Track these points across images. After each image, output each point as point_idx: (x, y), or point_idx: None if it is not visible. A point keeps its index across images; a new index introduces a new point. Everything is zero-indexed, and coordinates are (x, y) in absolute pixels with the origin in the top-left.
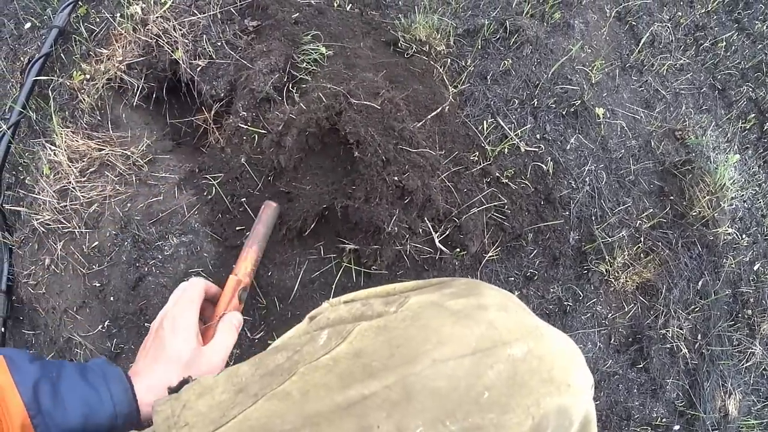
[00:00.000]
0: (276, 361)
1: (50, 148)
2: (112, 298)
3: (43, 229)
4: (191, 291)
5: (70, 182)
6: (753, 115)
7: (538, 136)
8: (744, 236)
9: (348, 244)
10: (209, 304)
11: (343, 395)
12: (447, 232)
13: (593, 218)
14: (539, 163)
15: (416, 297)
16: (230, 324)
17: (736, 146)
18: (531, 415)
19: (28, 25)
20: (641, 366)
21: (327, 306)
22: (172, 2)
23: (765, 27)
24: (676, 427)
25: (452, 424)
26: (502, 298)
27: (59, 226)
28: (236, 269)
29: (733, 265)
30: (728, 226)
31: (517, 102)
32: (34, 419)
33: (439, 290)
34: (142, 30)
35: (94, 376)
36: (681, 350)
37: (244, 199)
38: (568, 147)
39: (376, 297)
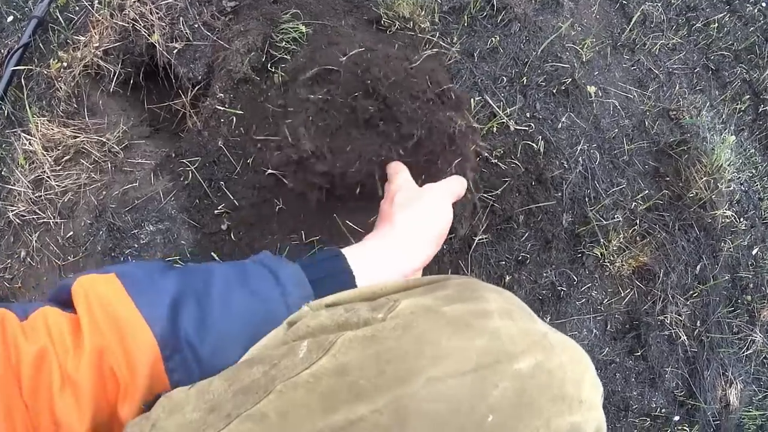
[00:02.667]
0: (251, 376)
1: (25, 137)
2: None
3: (19, 221)
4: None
5: (44, 171)
6: (747, 96)
7: (528, 114)
8: (742, 220)
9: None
10: None
11: (326, 420)
12: None
13: (587, 199)
14: (530, 142)
15: (407, 301)
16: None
17: (732, 127)
18: None
19: (10, 18)
20: (639, 354)
21: (307, 310)
22: None
23: (756, 10)
24: (676, 418)
25: None
26: (504, 301)
27: (34, 217)
28: None
29: (732, 249)
30: (726, 209)
31: (505, 80)
32: (170, 361)
33: (432, 292)
34: (119, 15)
35: (260, 282)
36: (680, 337)
37: (222, 182)
38: (559, 126)
39: (361, 299)
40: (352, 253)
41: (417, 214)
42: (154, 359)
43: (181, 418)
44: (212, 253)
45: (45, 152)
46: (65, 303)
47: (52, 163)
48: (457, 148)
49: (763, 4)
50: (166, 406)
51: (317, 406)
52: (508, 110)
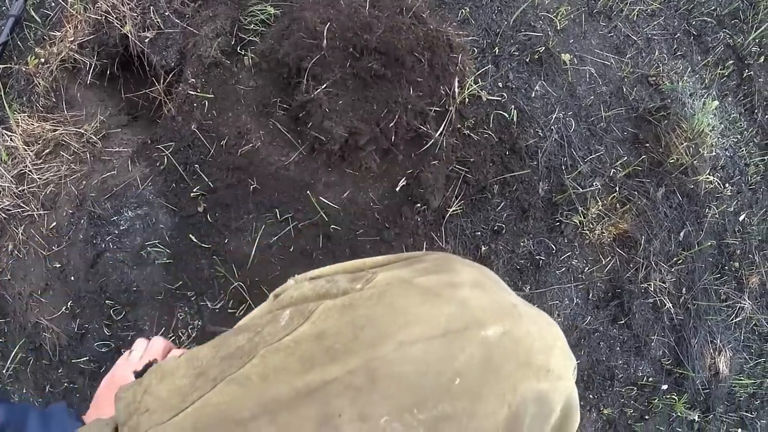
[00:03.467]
0: (237, 343)
1: (6, 134)
2: (72, 278)
3: (5, 215)
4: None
5: (26, 166)
6: (731, 61)
7: (500, 84)
8: (727, 185)
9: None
10: None
11: (304, 380)
12: (406, 185)
13: (563, 167)
14: (502, 112)
15: (384, 273)
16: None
17: (714, 93)
18: (507, 402)
19: None
20: (623, 322)
21: (292, 283)
22: None
23: None
24: (664, 387)
25: (420, 413)
26: (477, 274)
27: (19, 210)
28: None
29: (717, 216)
30: (709, 174)
31: (476, 51)
32: None
33: (410, 266)
34: (92, 8)
35: (57, 426)
36: (665, 305)
37: (197, 166)
38: (533, 95)
39: (343, 273)
40: None
41: None
42: None
43: (172, 384)
44: (191, 236)
45: (26, 147)
46: None
47: (34, 157)
48: (456, 53)
49: None
50: (158, 373)
51: (296, 368)
52: (480, 82)
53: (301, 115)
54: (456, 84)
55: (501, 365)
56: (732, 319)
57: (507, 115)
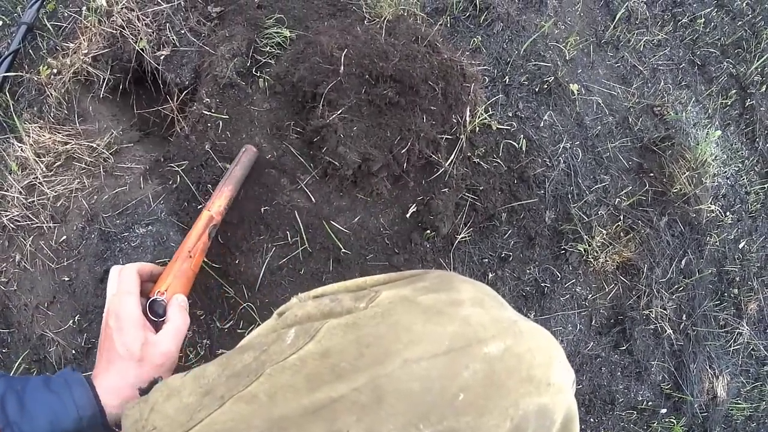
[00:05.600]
0: (243, 361)
1: (17, 144)
2: (81, 292)
3: (13, 226)
4: (126, 281)
5: (37, 177)
6: (734, 91)
7: (510, 113)
8: (728, 214)
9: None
10: (149, 284)
11: (311, 398)
12: (416, 211)
13: (569, 196)
14: (511, 142)
15: (387, 292)
16: (178, 307)
17: (717, 122)
18: (509, 416)
19: None
20: (624, 348)
21: (295, 301)
22: None
23: (744, 4)
24: (663, 411)
25: (426, 428)
26: (476, 291)
27: (28, 222)
28: (209, 205)
29: (717, 243)
30: (711, 203)
31: (487, 80)
32: (3, 431)
33: (412, 284)
34: (107, 22)
35: (58, 384)
36: (665, 331)
37: (210, 185)
38: (541, 124)
39: (346, 291)
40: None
41: None
42: None
43: (178, 402)
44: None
45: (37, 158)
46: None
47: (44, 169)
48: (468, 83)
49: None
50: (164, 390)
51: (302, 386)
52: (491, 110)
53: (315, 139)
54: (468, 113)
55: (503, 380)
56: (730, 345)
57: (516, 144)
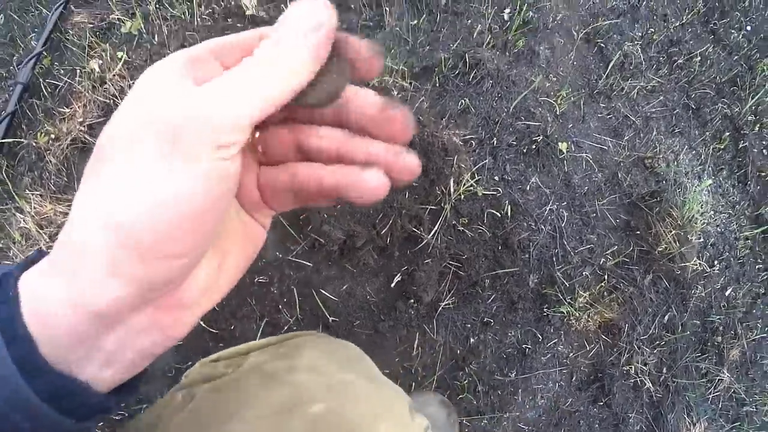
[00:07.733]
0: (147, 420)
1: (19, 216)
2: None
3: None
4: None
5: (41, 249)
6: (728, 133)
7: (496, 177)
8: (716, 263)
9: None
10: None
11: None
12: (401, 280)
13: (554, 259)
14: (495, 211)
15: (253, 358)
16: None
17: (710, 168)
18: None
19: None
20: (603, 402)
21: (197, 366)
22: (129, 57)
23: (741, 36)
24: None
25: None
26: (318, 357)
27: None
28: None
29: (703, 295)
30: (698, 257)
31: (474, 143)
32: None
33: (274, 351)
34: (100, 89)
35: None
36: (645, 384)
37: None
38: (528, 187)
39: (236, 356)
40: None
41: None
42: None
43: None
44: (200, 321)
45: (39, 230)
46: None
47: (48, 240)
48: (451, 156)
49: (748, 28)
50: None
51: None
52: (477, 177)
53: (301, 217)
54: (452, 184)
55: None
56: (710, 393)
57: (500, 212)
